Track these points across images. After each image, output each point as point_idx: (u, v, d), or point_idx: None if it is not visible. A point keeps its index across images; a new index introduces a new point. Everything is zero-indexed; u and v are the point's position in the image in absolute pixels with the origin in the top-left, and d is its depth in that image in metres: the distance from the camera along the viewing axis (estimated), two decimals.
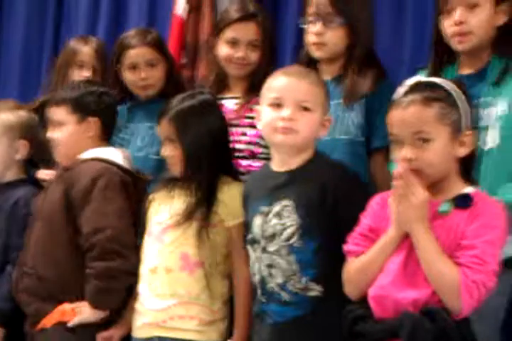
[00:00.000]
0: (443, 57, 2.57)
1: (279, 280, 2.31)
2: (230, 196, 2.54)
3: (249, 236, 2.40)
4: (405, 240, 2.05)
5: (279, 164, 2.40)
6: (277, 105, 2.35)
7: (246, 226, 2.43)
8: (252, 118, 2.83)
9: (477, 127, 2.36)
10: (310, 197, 2.29)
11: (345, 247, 2.15)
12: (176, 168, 2.61)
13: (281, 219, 2.32)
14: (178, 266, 2.53)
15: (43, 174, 3.05)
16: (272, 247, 2.33)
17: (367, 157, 2.69)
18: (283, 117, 2.32)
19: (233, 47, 2.92)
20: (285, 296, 2.30)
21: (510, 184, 2.30)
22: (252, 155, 2.83)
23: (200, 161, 2.56)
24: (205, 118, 2.60)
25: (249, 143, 2.84)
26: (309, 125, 2.34)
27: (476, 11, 2.48)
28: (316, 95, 2.36)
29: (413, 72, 2.88)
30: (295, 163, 2.37)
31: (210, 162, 2.57)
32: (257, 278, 2.37)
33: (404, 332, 1.93)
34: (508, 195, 2.23)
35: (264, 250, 2.35)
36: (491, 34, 2.48)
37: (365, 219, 2.16)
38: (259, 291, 2.36)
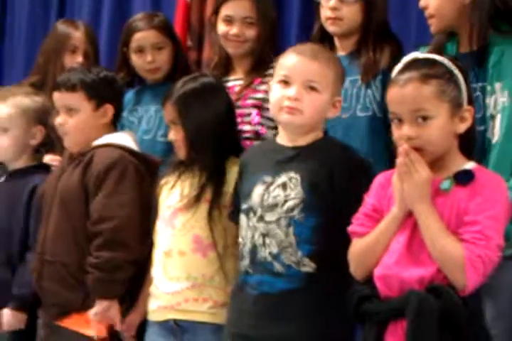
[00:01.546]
0: (444, 33, 2.56)
1: (274, 250, 2.29)
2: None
3: (245, 206, 2.38)
4: (409, 218, 2.05)
5: (287, 140, 2.39)
6: (285, 83, 2.33)
7: (242, 196, 2.41)
8: (255, 98, 2.84)
9: (485, 116, 2.39)
10: (317, 174, 2.29)
11: (350, 228, 2.15)
12: (181, 152, 2.63)
13: (285, 190, 2.31)
14: (190, 249, 2.55)
15: (50, 159, 3.07)
16: (270, 217, 2.31)
17: (387, 132, 2.68)
18: (289, 96, 2.31)
19: (228, 24, 2.94)
20: (278, 267, 2.28)
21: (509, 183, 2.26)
22: (257, 136, 2.84)
23: (203, 144, 2.57)
24: (207, 101, 2.61)
25: (253, 124, 2.85)
26: (315, 106, 2.33)
27: None
28: (326, 75, 2.34)
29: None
30: (304, 140, 2.37)
31: (214, 144, 2.58)
32: (247, 247, 2.34)
33: (410, 310, 1.94)
34: None
35: (260, 219, 2.32)
36: (458, 14, 2.47)
37: (369, 199, 2.16)
38: (247, 261, 2.34)
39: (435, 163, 2.05)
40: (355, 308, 2.05)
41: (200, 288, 2.54)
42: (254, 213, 2.34)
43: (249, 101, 2.87)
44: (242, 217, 2.39)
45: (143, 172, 2.72)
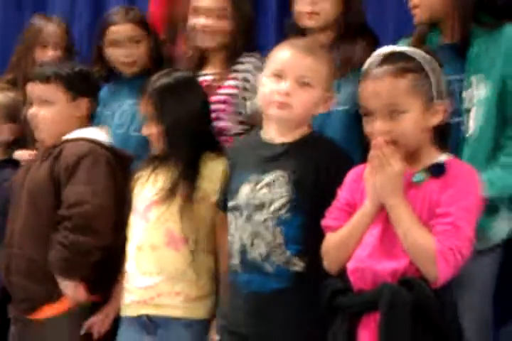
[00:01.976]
0: (427, 24, 2.56)
1: (263, 250, 2.29)
2: (214, 171, 2.55)
3: (232, 204, 2.37)
4: (382, 212, 2.05)
5: (273, 135, 2.38)
6: (278, 77, 2.32)
7: (230, 192, 2.41)
8: (223, 94, 2.85)
9: (460, 109, 2.39)
10: (304, 172, 2.29)
11: (323, 222, 2.15)
12: (156, 146, 2.62)
13: (272, 189, 2.30)
14: (163, 243, 2.55)
15: (20, 155, 3.05)
16: (258, 217, 2.30)
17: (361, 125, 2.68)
18: (279, 91, 2.30)
19: (197, 15, 2.94)
20: (267, 267, 2.28)
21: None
22: (223, 131, 2.84)
23: (178, 138, 2.57)
24: (181, 96, 2.61)
25: (221, 119, 2.84)
26: (306, 101, 2.31)
27: None
28: (319, 71, 2.33)
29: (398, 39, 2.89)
30: (290, 136, 2.35)
31: (189, 139, 2.58)
32: (236, 247, 2.34)
33: (383, 303, 1.94)
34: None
35: (248, 219, 2.32)
36: (442, 4, 2.47)
37: (342, 193, 2.16)
38: (236, 260, 2.34)
39: (408, 156, 2.05)
40: (329, 302, 2.05)
41: (172, 281, 2.53)
42: (241, 213, 2.34)
43: (219, 97, 2.86)
44: (230, 216, 2.39)
45: (114, 165, 2.71)
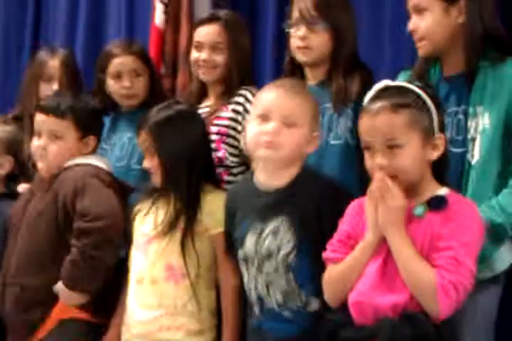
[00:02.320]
0: (428, 57, 2.56)
1: (279, 298, 2.31)
2: (214, 204, 2.55)
3: (241, 253, 2.39)
4: (383, 244, 2.05)
5: (265, 180, 2.39)
6: (263, 118, 2.33)
7: (236, 241, 2.42)
8: (218, 125, 2.86)
9: (466, 138, 2.40)
10: (305, 214, 2.29)
11: (324, 254, 2.16)
12: (156, 179, 2.62)
13: (276, 237, 2.32)
14: (163, 277, 2.54)
15: (23, 188, 3.02)
16: (268, 266, 2.32)
17: (359, 160, 2.67)
18: (267, 131, 2.31)
19: (199, 50, 2.96)
20: (286, 314, 2.31)
21: (491, 202, 2.29)
22: (220, 162, 2.84)
23: (178, 171, 2.57)
24: (181, 128, 2.61)
25: (215, 150, 2.85)
26: (294, 140, 2.32)
27: (424, 15, 2.48)
28: (304, 112, 2.34)
29: (394, 72, 2.90)
30: (283, 179, 2.36)
31: (189, 172, 2.58)
32: (254, 297, 2.36)
33: (383, 338, 1.94)
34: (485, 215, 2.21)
35: (259, 269, 2.34)
36: (448, 36, 2.47)
37: (343, 226, 2.17)
38: (256, 309, 2.36)
39: (409, 190, 2.06)
40: (330, 336, 2.04)
41: (173, 316, 2.52)
42: (252, 263, 2.36)
43: (214, 129, 2.87)
44: (242, 264, 2.41)
45: (118, 191, 2.71)
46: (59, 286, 2.63)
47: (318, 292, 2.23)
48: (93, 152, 2.84)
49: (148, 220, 2.61)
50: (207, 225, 2.55)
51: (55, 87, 3.28)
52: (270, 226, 2.32)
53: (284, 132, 2.31)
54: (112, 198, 2.65)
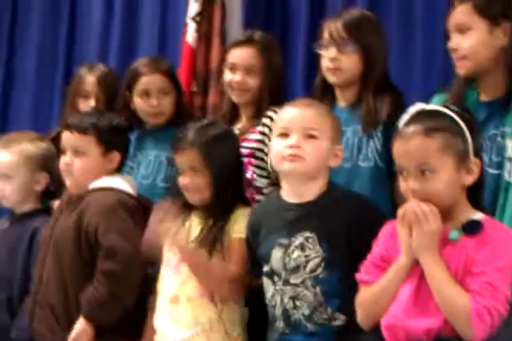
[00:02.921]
0: (464, 81, 2.56)
1: (306, 311, 2.32)
2: (240, 216, 2.57)
3: (267, 268, 2.40)
4: (416, 267, 2.05)
5: (292, 195, 2.41)
6: (285, 135, 2.37)
7: (261, 258, 2.43)
8: (246, 147, 2.87)
9: (503, 158, 2.39)
10: (334, 229, 2.31)
11: (358, 276, 2.16)
12: (197, 196, 2.61)
13: (304, 251, 2.33)
14: (197, 294, 2.55)
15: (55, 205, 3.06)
16: (295, 279, 2.34)
17: (389, 182, 2.66)
18: (290, 145, 2.35)
19: (233, 72, 2.97)
20: (311, 327, 2.32)
21: None
22: (249, 184, 2.85)
23: (227, 189, 2.60)
24: (228, 146, 2.65)
25: (245, 172, 2.84)
26: (316, 152, 2.36)
27: (467, 34, 2.48)
28: (323, 124, 2.38)
29: (425, 93, 2.90)
30: (310, 194, 2.38)
31: (233, 189, 2.61)
32: (279, 311, 2.37)
33: None
34: None
35: (286, 282, 2.35)
36: (491, 57, 2.47)
37: (377, 248, 2.16)
38: (281, 323, 2.36)
39: (443, 213, 2.05)
40: None
41: (207, 333, 2.53)
42: (279, 277, 2.37)
43: (243, 151, 2.86)
44: (266, 280, 2.41)
45: (141, 215, 2.73)
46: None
47: (344, 308, 2.26)
48: (119, 167, 2.86)
49: (180, 239, 2.61)
50: (231, 233, 2.56)
51: (92, 103, 3.31)
52: (298, 240, 2.34)
53: (306, 145, 2.35)
54: (136, 234, 2.66)
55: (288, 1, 3.73)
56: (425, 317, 1.99)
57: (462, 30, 2.50)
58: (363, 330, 2.14)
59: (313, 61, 3.28)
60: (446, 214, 2.06)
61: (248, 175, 2.86)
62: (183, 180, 2.64)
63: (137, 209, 2.72)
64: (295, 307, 2.33)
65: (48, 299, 2.72)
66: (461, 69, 2.52)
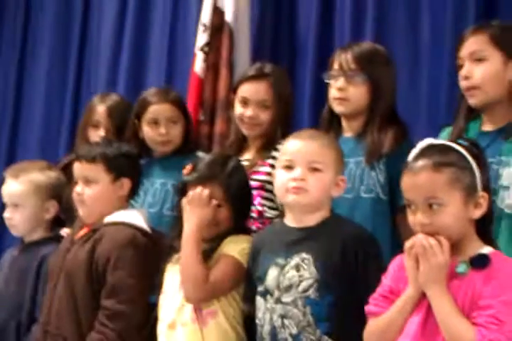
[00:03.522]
0: (468, 113, 2.59)
1: (293, 330, 2.31)
2: (235, 239, 2.60)
3: (261, 288, 2.42)
4: (424, 299, 2.06)
5: (295, 222, 2.44)
6: (289, 167, 2.41)
7: (257, 279, 2.45)
8: (256, 180, 2.89)
9: (497, 186, 2.41)
10: (329, 253, 2.33)
11: (366, 308, 2.17)
12: (214, 230, 2.62)
13: (299, 271, 2.34)
14: (191, 319, 2.55)
15: (66, 233, 3.08)
16: (287, 298, 2.34)
17: (391, 215, 2.69)
18: (294, 177, 2.38)
19: (244, 106, 2.98)
20: None
21: None
22: (260, 216, 2.87)
23: (244, 220, 2.66)
24: (244, 178, 2.71)
25: (254, 204, 2.86)
26: (320, 185, 2.39)
27: (482, 64, 2.50)
28: (327, 156, 2.41)
29: (431, 128, 2.93)
30: (312, 220, 2.41)
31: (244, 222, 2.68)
32: (266, 329, 2.37)
33: None
34: None
35: (278, 301, 2.36)
36: (502, 89, 2.49)
37: (386, 280, 2.18)
38: None
39: (451, 247, 2.06)
40: None
41: None
42: (271, 295, 2.38)
43: (252, 183, 2.88)
44: (259, 299, 2.42)
45: (152, 252, 2.74)
46: None
47: (334, 333, 2.28)
48: (132, 194, 2.89)
49: (178, 268, 2.62)
50: (221, 250, 2.58)
51: (102, 133, 3.34)
52: (294, 260, 2.36)
53: (310, 177, 2.38)
54: (143, 273, 2.67)
55: (295, 32, 3.78)
56: None
57: (477, 59, 2.51)
58: None
59: (320, 90, 3.33)
60: (455, 247, 2.07)
61: (259, 208, 2.88)
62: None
63: (148, 248, 2.73)
64: (283, 325, 2.33)
65: (60, 330, 2.72)
66: (473, 99, 2.53)
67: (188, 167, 2.70)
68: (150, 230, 2.81)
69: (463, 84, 2.56)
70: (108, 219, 2.79)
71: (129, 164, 2.86)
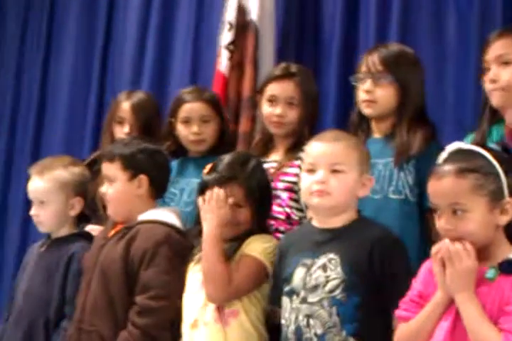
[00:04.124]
0: (491, 116, 2.60)
1: (318, 330, 2.33)
2: (257, 238, 2.63)
3: (288, 288, 2.43)
4: (453, 304, 2.07)
5: (321, 224, 2.46)
6: (312, 170, 2.42)
7: (284, 278, 2.46)
8: (285, 181, 2.91)
9: None
10: (357, 254, 2.34)
11: (396, 312, 2.19)
12: (235, 230, 2.66)
13: (325, 271, 2.36)
14: (213, 319, 2.58)
15: (91, 230, 3.12)
16: (313, 298, 2.35)
17: (419, 217, 2.69)
18: (316, 180, 2.40)
19: (272, 105, 2.99)
20: None
21: None
22: (288, 218, 2.88)
23: (264, 223, 2.68)
24: (265, 179, 2.73)
25: (283, 206, 2.89)
26: (343, 187, 2.40)
27: (508, 67, 2.51)
28: (350, 157, 2.42)
29: (457, 129, 2.93)
30: (339, 221, 2.43)
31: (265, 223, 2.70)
32: (291, 329, 2.38)
33: None
34: None
35: (303, 300, 2.37)
36: None
37: (416, 284, 2.19)
38: None
39: (480, 252, 2.07)
40: None
41: None
42: (298, 295, 2.39)
43: (281, 184, 2.92)
44: (285, 299, 2.43)
45: (186, 251, 2.75)
46: None
47: (359, 334, 2.28)
48: (162, 192, 2.91)
49: (199, 268, 2.65)
50: (242, 250, 2.60)
51: (126, 129, 3.35)
52: (321, 261, 2.37)
53: (332, 180, 2.39)
54: (176, 273, 2.68)
55: (320, 30, 3.78)
56: None
57: (504, 62, 2.52)
58: None
59: (345, 91, 3.35)
60: (483, 253, 2.08)
61: (288, 210, 2.90)
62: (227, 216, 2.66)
63: (182, 246, 2.75)
64: (308, 325, 2.34)
65: (95, 326, 2.72)
66: (496, 99, 2.55)
67: (208, 167, 2.72)
68: (184, 229, 2.82)
69: (489, 87, 2.57)
70: (142, 217, 2.81)
71: (147, 160, 2.85)
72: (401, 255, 2.36)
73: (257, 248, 2.59)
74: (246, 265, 2.57)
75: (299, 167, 2.87)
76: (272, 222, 2.86)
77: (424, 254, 2.30)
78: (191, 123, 3.19)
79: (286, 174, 2.94)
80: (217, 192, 2.60)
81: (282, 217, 2.89)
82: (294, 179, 2.91)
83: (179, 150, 3.24)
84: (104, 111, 4.05)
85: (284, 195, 2.90)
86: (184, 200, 3.16)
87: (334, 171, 2.40)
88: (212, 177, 2.68)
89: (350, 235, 2.39)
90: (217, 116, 3.24)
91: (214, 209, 2.59)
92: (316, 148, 2.45)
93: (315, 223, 2.48)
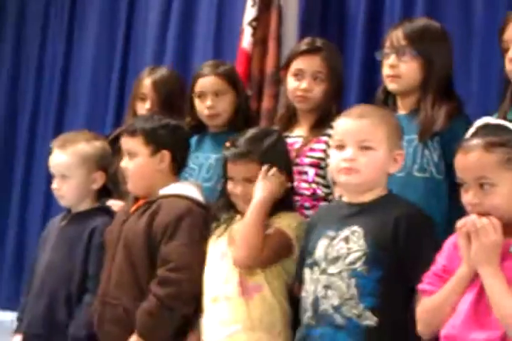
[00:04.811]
0: None
1: (335, 302, 2.31)
2: (286, 215, 2.65)
3: (310, 261, 2.42)
4: (477, 278, 2.06)
5: (350, 199, 2.45)
6: (341, 147, 2.40)
7: (307, 252, 2.45)
8: (312, 157, 2.88)
9: None
10: (381, 228, 2.32)
11: (420, 286, 2.17)
12: (242, 206, 2.67)
13: (348, 243, 2.34)
14: (236, 293, 2.58)
15: (112, 204, 3.12)
16: (333, 269, 2.34)
17: (447, 193, 2.65)
18: (344, 158, 2.37)
19: (298, 79, 2.97)
20: (338, 319, 2.29)
21: None
22: (314, 194, 2.87)
23: (285, 199, 2.67)
24: (283, 155, 2.72)
25: (309, 182, 2.87)
26: (372, 164, 2.38)
27: None
28: (378, 133, 2.39)
29: (481, 106, 2.88)
30: (367, 197, 2.41)
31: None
32: (310, 300, 2.37)
33: None
34: None
35: (323, 271, 2.36)
36: None
37: (440, 259, 2.17)
38: (309, 313, 2.37)
39: (506, 227, 2.05)
40: None
41: (248, 331, 2.56)
42: (319, 266, 2.38)
43: (307, 160, 2.89)
44: (307, 271, 2.42)
45: (208, 224, 2.75)
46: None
47: (377, 309, 2.26)
48: (181, 166, 2.91)
49: (221, 241, 2.67)
50: (271, 225, 2.60)
51: (148, 106, 3.33)
52: (344, 233, 2.36)
53: (361, 157, 2.36)
54: (198, 245, 2.69)
55: (345, 4, 3.74)
56: (484, 329, 2.00)
57: None
58: (394, 335, 2.18)
59: (369, 67, 3.31)
60: (508, 227, 2.06)
61: (314, 186, 2.88)
62: (234, 188, 2.69)
63: (204, 219, 2.75)
64: (326, 296, 2.33)
65: (120, 300, 2.73)
66: None
67: (228, 142, 2.71)
68: (208, 205, 2.81)
69: (510, 67, 2.53)
70: (163, 191, 2.81)
71: (170, 136, 2.85)
72: (428, 233, 2.33)
73: (284, 222, 2.60)
74: (274, 237, 2.58)
75: (326, 143, 2.87)
76: (298, 198, 2.85)
77: (452, 231, 2.24)
78: (205, 97, 3.16)
79: (312, 150, 2.92)
80: (267, 168, 2.62)
81: (308, 193, 2.87)
82: (321, 155, 2.89)
83: (199, 126, 3.22)
84: (126, 89, 4.06)
85: (311, 171, 2.88)
86: (203, 176, 3.14)
87: (363, 148, 2.37)
88: (230, 152, 2.69)
89: (376, 210, 2.37)
90: (233, 90, 3.19)
91: (273, 182, 2.59)
92: (344, 125, 2.43)
93: (344, 198, 2.47)
